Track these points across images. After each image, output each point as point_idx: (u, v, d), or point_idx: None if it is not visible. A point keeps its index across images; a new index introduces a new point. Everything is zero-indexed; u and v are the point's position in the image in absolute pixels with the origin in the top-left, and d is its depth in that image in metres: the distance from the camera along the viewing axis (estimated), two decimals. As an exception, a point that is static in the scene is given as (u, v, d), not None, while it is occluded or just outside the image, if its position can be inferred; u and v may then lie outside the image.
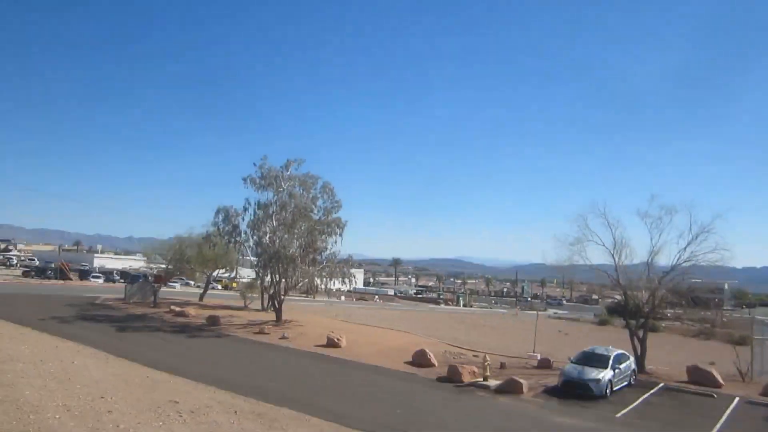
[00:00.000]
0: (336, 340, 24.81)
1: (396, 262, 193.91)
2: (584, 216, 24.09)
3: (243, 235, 31.57)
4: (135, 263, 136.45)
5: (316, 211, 30.62)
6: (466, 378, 19.57)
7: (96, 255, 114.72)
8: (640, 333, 23.63)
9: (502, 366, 22.52)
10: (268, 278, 31.49)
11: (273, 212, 30.49)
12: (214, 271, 42.07)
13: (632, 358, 21.39)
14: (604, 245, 23.62)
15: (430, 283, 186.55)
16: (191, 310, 31.97)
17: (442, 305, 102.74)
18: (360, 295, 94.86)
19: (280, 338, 26.11)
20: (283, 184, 31.16)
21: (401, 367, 21.80)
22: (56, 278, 63.00)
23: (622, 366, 19.67)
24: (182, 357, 20.51)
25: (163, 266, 42.58)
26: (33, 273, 64.95)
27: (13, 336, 20.58)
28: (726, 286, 66.47)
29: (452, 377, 19.76)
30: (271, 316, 33.83)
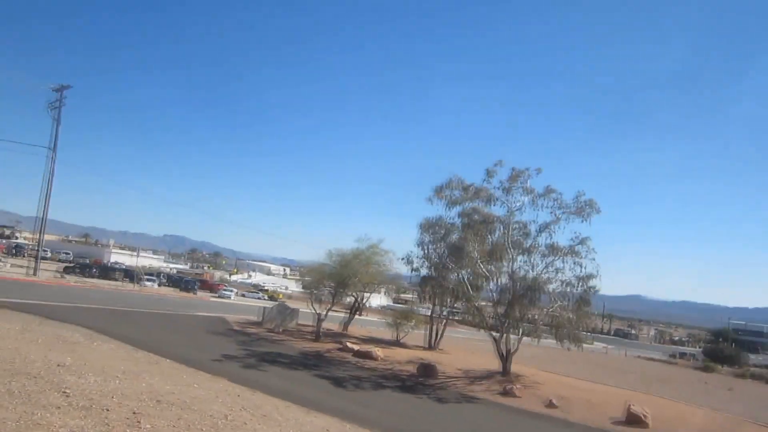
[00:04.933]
0: (642, 416, 18.00)
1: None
2: None
3: (465, 259, 24.37)
4: (154, 262, 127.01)
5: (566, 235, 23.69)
6: None
7: (114, 251, 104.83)
8: None
9: None
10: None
11: (519, 233, 23.73)
12: (368, 293, 34.77)
13: None
14: None
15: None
16: (378, 351, 24.68)
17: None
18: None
19: (546, 406, 19.22)
20: (521, 197, 24.38)
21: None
22: (99, 277, 55.34)
23: None
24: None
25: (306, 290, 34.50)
26: (77, 270, 56.97)
27: (244, 406, 13.04)
28: None
29: None
30: (450, 358, 27.15)
